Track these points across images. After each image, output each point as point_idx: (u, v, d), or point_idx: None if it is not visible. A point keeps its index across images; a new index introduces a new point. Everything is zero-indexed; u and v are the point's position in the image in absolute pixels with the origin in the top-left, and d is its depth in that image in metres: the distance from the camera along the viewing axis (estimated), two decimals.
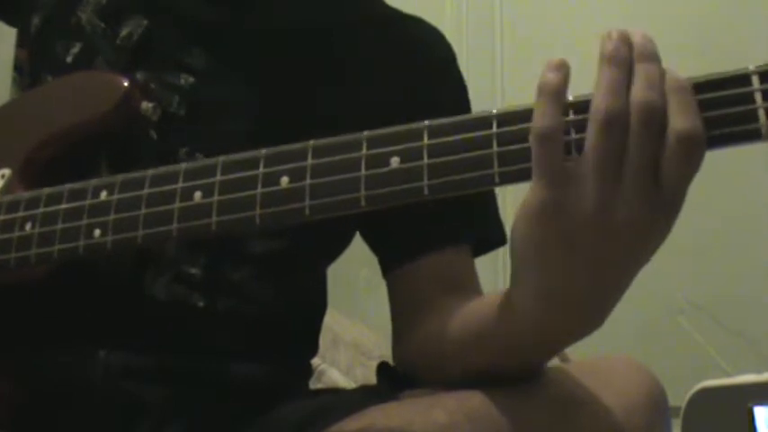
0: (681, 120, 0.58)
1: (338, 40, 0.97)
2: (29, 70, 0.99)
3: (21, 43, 1.01)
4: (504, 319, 0.72)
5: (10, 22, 1.08)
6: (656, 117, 0.58)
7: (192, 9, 0.95)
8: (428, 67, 0.99)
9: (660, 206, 0.59)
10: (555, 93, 0.61)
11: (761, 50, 2.02)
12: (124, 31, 0.93)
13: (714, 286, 2.05)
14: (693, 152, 0.58)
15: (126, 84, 0.87)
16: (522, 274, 0.67)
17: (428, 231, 0.92)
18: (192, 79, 0.91)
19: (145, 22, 0.93)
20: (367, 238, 1.00)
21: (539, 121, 0.60)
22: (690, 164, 0.58)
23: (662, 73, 0.60)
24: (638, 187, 0.59)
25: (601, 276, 0.64)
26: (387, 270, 0.97)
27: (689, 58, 2.05)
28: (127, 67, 0.91)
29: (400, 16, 1.03)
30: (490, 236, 0.97)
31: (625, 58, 0.60)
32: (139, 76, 0.91)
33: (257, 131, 0.90)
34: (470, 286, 0.93)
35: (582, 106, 0.61)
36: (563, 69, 0.61)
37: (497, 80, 2.35)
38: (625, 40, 0.61)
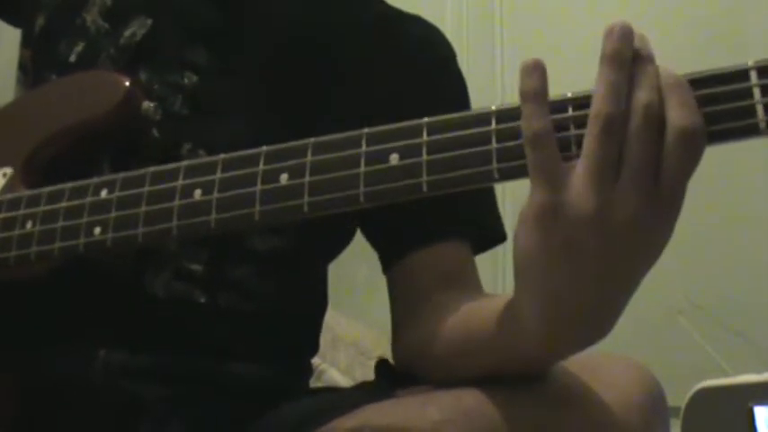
0: (680, 116, 0.58)
1: (338, 37, 0.97)
2: (32, 69, 0.99)
3: (25, 43, 1.02)
4: (506, 330, 0.72)
5: (13, 23, 1.08)
6: (656, 117, 0.59)
7: (194, 8, 0.95)
8: (428, 64, 1.00)
9: (660, 204, 0.59)
10: (535, 95, 0.61)
11: (761, 50, 2.01)
12: (128, 31, 0.93)
13: (714, 286, 2.05)
14: (694, 147, 0.58)
15: (127, 83, 0.87)
16: (525, 283, 0.67)
17: (425, 225, 0.92)
18: (195, 78, 0.91)
19: (149, 21, 0.94)
20: (365, 233, 1.00)
21: (527, 126, 0.61)
22: (690, 159, 0.58)
23: (657, 72, 0.60)
24: (637, 186, 0.59)
25: (603, 283, 0.63)
26: (385, 265, 0.97)
27: (689, 55, 2.05)
28: (130, 66, 0.92)
29: (400, 15, 1.03)
30: (490, 232, 0.97)
31: (626, 59, 0.60)
32: (143, 75, 0.91)
33: (259, 129, 0.90)
34: (470, 282, 0.93)
35: (581, 102, 0.61)
36: (538, 69, 0.62)
37: (497, 80, 2.35)
38: (628, 39, 0.61)
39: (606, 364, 0.80)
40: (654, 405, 0.77)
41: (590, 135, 0.60)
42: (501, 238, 0.98)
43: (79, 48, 0.94)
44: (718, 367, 1.89)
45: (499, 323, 0.73)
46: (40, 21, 0.99)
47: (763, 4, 2.08)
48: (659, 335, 2.04)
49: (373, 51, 0.98)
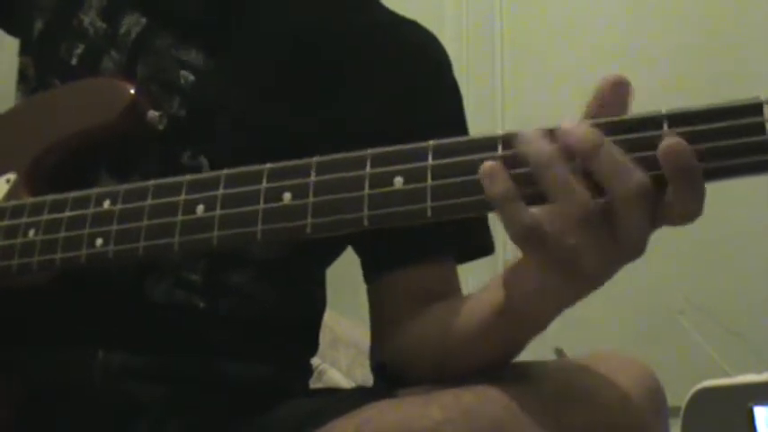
0: (617, 183, 0.61)
1: (336, 41, 0.97)
2: (34, 74, 0.98)
3: (24, 50, 1.01)
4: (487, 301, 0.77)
5: (8, 30, 1.08)
6: (565, 184, 0.62)
7: (189, 8, 0.95)
8: (423, 70, 0.99)
9: (612, 249, 0.64)
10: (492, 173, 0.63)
11: (762, 51, 2.01)
12: (122, 29, 0.93)
13: (714, 286, 2.05)
14: (640, 203, 0.61)
15: (132, 91, 0.87)
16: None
17: (412, 244, 0.91)
18: (191, 78, 0.91)
19: (143, 20, 0.93)
20: (351, 243, 0.99)
21: (488, 190, 0.63)
22: (641, 215, 0.62)
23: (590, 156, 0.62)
24: (595, 244, 0.63)
25: (572, 294, 0.70)
26: (369, 279, 0.97)
27: (690, 58, 2.05)
28: (127, 65, 0.92)
29: (397, 20, 1.03)
30: (475, 245, 0.97)
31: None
32: (139, 74, 0.91)
33: (257, 133, 0.90)
34: (453, 294, 0.93)
35: None
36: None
37: (497, 83, 2.33)
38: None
39: (606, 363, 0.80)
40: (654, 403, 0.77)
41: None
42: (488, 250, 0.98)
43: (80, 50, 0.94)
44: (718, 367, 1.89)
45: (483, 302, 0.77)
46: (39, 25, 0.98)
47: (763, 8, 2.08)
48: (659, 335, 2.04)
49: (370, 55, 0.97)
